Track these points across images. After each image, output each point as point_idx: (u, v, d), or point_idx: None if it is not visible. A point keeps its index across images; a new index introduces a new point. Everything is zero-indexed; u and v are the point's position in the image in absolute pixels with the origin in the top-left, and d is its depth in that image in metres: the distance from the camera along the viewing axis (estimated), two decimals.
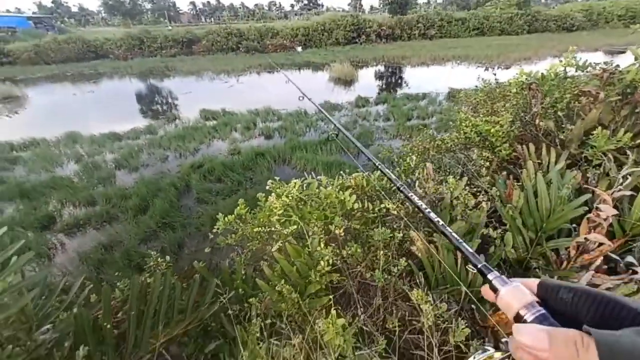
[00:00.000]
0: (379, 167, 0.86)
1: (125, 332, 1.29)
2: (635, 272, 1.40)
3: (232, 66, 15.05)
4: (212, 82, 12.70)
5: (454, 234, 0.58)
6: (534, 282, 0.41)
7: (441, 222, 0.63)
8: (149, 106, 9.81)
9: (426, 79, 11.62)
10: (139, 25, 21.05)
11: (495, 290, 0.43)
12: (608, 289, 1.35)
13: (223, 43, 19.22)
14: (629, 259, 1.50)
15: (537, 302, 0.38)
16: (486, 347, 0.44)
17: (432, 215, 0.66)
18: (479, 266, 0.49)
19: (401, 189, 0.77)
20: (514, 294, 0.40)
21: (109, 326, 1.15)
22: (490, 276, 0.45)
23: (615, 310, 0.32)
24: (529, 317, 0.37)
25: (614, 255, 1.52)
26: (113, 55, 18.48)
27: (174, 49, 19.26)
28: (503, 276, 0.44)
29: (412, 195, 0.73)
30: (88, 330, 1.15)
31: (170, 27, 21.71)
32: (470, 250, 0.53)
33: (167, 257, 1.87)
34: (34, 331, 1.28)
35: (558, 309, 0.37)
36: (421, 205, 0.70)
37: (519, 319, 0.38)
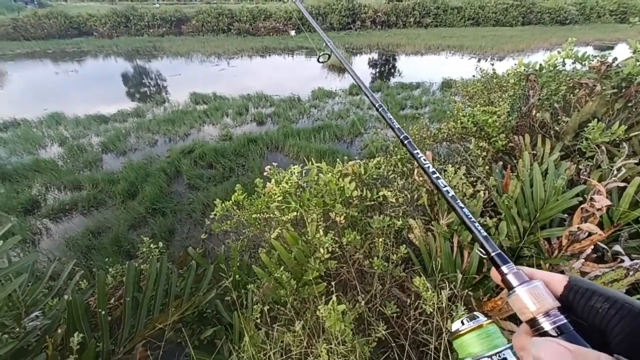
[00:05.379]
0: (380, 110, 0.73)
1: (120, 319, 1.26)
2: (622, 261, 1.45)
3: (223, 48, 14.54)
4: (202, 64, 12.28)
5: (465, 209, 0.49)
6: (559, 279, 0.36)
7: (451, 193, 0.52)
8: (136, 88, 9.45)
9: (420, 68, 11.55)
10: (125, 2, 19.97)
11: (509, 287, 0.37)
12: (596, 276, 1.39)
13: (214, 24, 18.50)
14: (616, 247, 1.55)
15: (559, 307, 0.33)
16: (476, 315, 0.40)
17: (441, 182, 0.54)
18: (492, 254, 0.41)
19: (405, 142, 0.63)
20: (532, 296, 0.34)
21: (103, 312, 1.12)
22: (504, 269, 0.38)
23: None
24: (546, 325, 0.32)
25: (602, 245, 1.57)
26: (97, 33, 17.55)
27: (162, 28, 18.43)
28: (521, 271, 0.38)
29: (418, 154, 0.59)
30: (82, 317, 1.12)
31: (158, 5, 20.68)
32: (484, 233, 0.45)
33: (160, 244, 1.83)
34: (23, 318, 1.24)
35: (584, 317, 0.33)
36: (428, 167, 0.57)
37: (533, 325, 0.34)
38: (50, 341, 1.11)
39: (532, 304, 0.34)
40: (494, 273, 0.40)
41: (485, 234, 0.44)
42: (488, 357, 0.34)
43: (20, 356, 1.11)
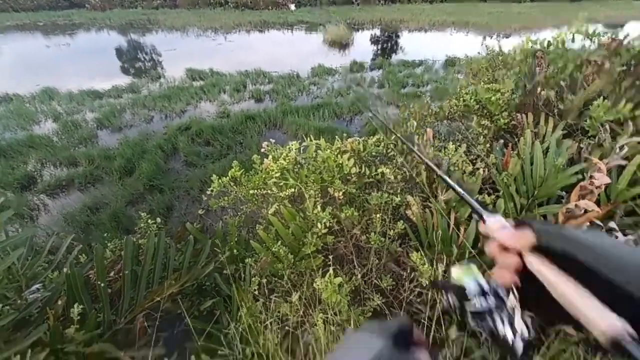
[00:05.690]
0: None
1: (120, 291, 1.28)
2: (616, 237, 1.46)
3: (220, 23, 13.99)
4: (199, 39, 11.84)
5: (463, 192, 0.62)
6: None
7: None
8: (131, 63, 9.16)
9: (423, 45, 11.20)
10: None
11: (483, 220, 0.53)
12: None
13: None
14: (611, 224, 1.56)
15: (512, 225, 0.48)
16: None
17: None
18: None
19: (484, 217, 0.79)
20: (495, 222, 0.50)
21: (103, 285, 1.13)
22: (484, 214, 0.55)
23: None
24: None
25: (597, 222, 1.58)
26: (89, 5, 16.83)
27: (157, 0, 17.70)
28: (492, 213, 0.54)
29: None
30: (82, 289, 1.13)
31: None
32: (474, 201, 0.59)
33: (158, 219, 1.83)
34: (23, 290, 1.26)
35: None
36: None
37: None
38: (51, 312, 1.13)
39: (494, 225, 0.49)
40: (480, 225, 0.54)
41: (474, 201, 0.58)
42: (472, 279, 0.47)
43: (22, 326, 1.14)
